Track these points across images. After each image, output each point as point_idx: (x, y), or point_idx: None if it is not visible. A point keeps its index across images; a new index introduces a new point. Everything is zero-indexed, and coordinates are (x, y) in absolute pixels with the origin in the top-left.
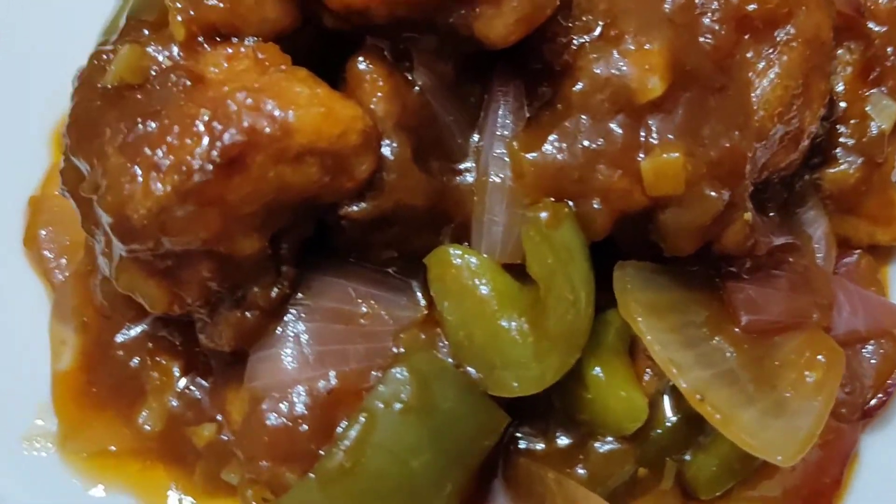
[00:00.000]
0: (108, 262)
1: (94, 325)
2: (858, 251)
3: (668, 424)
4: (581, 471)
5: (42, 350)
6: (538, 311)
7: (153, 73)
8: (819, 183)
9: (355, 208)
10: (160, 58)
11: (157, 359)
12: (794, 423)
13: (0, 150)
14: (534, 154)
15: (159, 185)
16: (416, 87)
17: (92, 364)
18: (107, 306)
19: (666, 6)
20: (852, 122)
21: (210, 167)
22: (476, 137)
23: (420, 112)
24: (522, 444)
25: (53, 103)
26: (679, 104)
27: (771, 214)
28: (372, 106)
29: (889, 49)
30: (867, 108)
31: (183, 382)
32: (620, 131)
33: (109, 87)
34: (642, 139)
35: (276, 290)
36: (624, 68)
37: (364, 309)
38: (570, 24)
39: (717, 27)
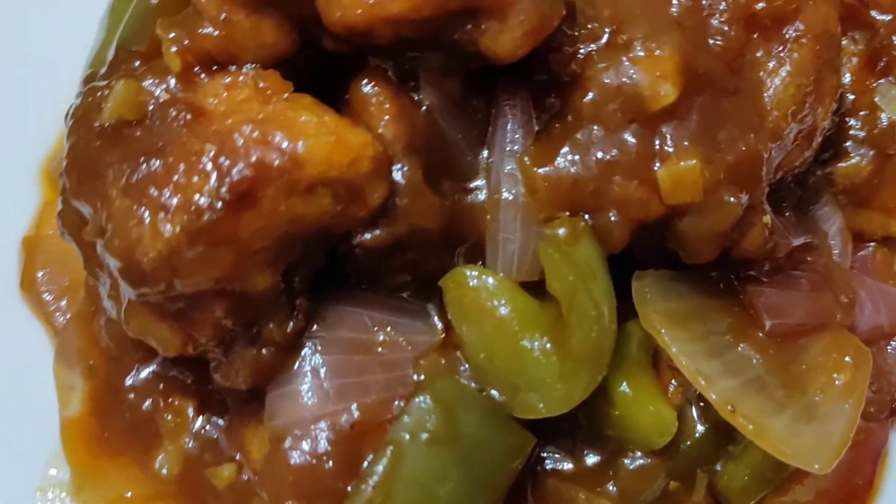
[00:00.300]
0: (115, 306)
1: (102, 367)
2: (873, 244)
3: (697, 435)
4: (612, 488)
5: (49, 396)
6: (560, 330)
7: (151, 108)
8: (831, 178)
9: (369, 236)
10: (157, 91)
11: (170, 400)
12: (827, 429)
13: None
14: (546, 168)
15: (168, 226)
16: (423, 107)
17: (102, 409)
18: (114, 348)
19: (672, 9)
20: (861, 113)
21: (219, 205)
22: (485, 154)
23: (428, 132)
24: (550, 465)
25: (40, 137)
26: (692, 110)
27: (787, 214)
28: (380, 130)
29: (894, 38)
30: (876, 99)
31: (198, 423)
32: (634, 141)
33: (107, 125)
34: (657, 147)
35: (291, 324)
36: (635, 76)
37: (381, 337)
38: (575, 33)
39: (726, 28)
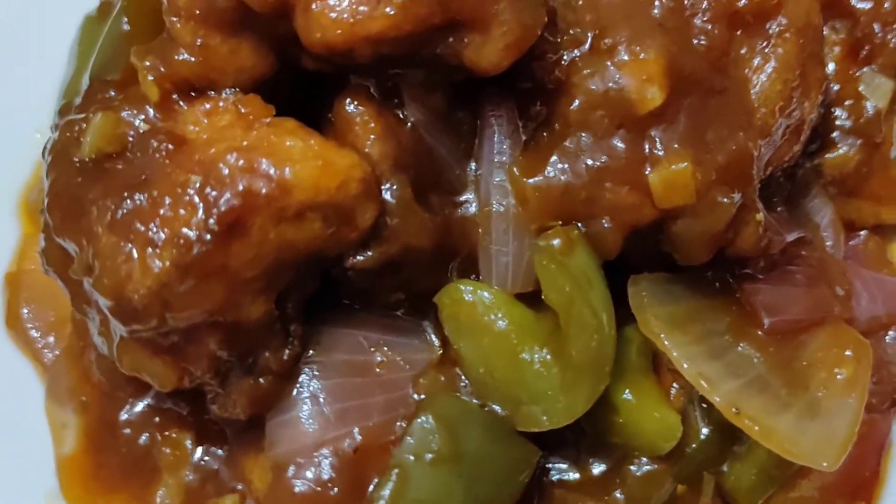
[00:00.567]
0: (106, 342)
1: (95, 403)
2: (864, 232)
3: (702, 438)
4: (619, 496)
5: (42, 435)
6: (559, 340)
7: (131, 139)
8: (820, 169)
9: (361, 258)
10: (136, 122)
11: (167, 433)
12: (832, 425)
13: None
14: (536, 178)
15: (157, 261)
16: (409, 124)
17: (98, 445)
18: (105, 383)
19: (655, 11)
20: (847, 103)
21: (208, 236)
22: (473, 166)
23: (415, 148)
24: (556, 476)
25: (15, 168)
26: (680, 111)
27: (779, 209)
28: (367, 149)
29: (876, 25)
30: (860, 88)
31: (198, 454)
32: (623, 146)
33: (87, 159)
34: (647, 152)
35: (287, 351)
36: (621, 81)
37: (378, 357)
38: (558, 40)
39: (709, 27)
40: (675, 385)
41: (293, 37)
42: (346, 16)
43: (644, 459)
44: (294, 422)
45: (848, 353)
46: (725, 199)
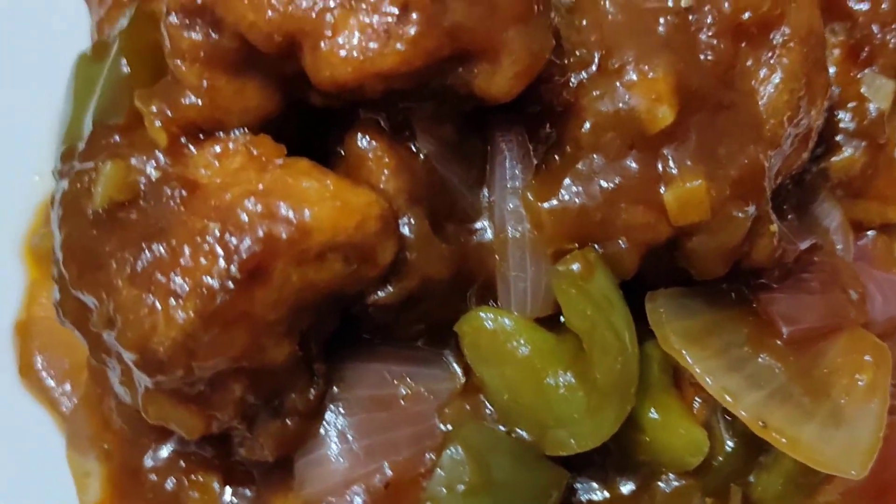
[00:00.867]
0: (129, 392)
1: (118, 451)
2: (872, 232)
3: (728, 450)
4: None
5: (66, 485)
6: (582, 363)
7: (142, 186)
8: (826, 172)
9: (382, 294)
10: (147, 169)
11: (194, 476)
12: (856, 432)
13: None
14: (550, 202)
15: (181, 312)
16: (421, 156)
17: (123, 493)
18: (127, 430)
19: (660, 28)
20: (850, 105)
21: (231, 284)
22: (486, 192)
23: (428, 180)
24: (585, 496)
25: (18, 213)
26: (691, 128)
27: (789, 217)
28: (382, 185)
29: (874, 26)
30: (862, 90)
31: (226, 497)
32: (636, 166)
33: (100, 210)
34: (660, 170)
35: (312, 391)
36: (630, 101)
37: (402, 390)
38: (564, 62)
39: (715, 42)
40: (697, 399)
41: (300, 74)
42: (355, 53)
43: (672, 475)
44: (323, 460)
45: (867, 358)
46: (740, 214)
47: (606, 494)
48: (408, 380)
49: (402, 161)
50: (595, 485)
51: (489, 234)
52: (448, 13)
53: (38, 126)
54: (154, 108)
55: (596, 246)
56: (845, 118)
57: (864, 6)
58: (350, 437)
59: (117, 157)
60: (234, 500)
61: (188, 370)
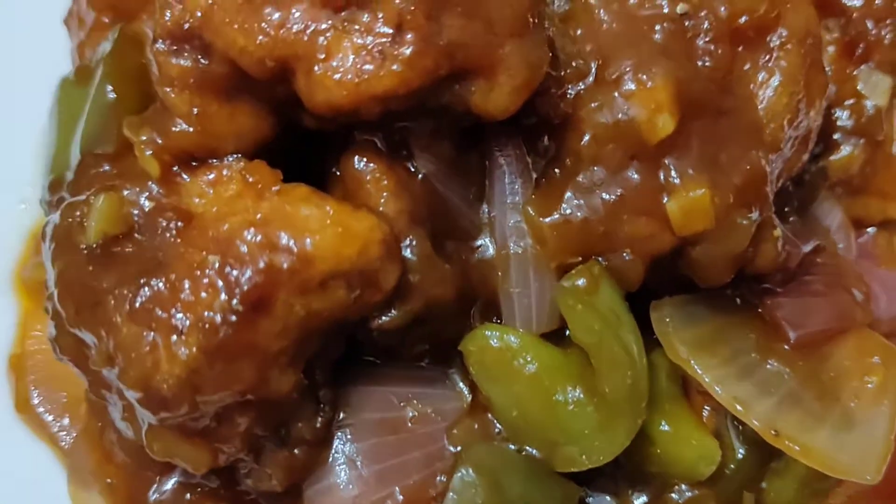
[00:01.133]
0: (131, 427)
1: (121, 484)
2: (872, 229)
3: (739, 457)
4: None
5: None
6: (591, 378)
7: (136, 218)
8: (825, 171)
9: (386, 319)
10: (140, 200)
11: None
12: (868, 435)
13: None
14: (552, 217)
15: (184, 348)
16: (420, 175)
17: None
18: (130, 463)
19: (656, 36)
20: (847, 103)
21: (234, 317)
22: (486, 208)
23: (428, 199)
24: None
25: (7, 246)
26: (692, 136)
27: (791, 219)
28: (381, 207)
29: (869, 22)
30: (858, 87)
31: None
32: (638, 177)
33: (94, 245)
34: (662, 180)
35: (319, 418)
36: (629, 111)
37: (409, 412)
38: (561, 73)
39: (712, 48)
40: (706, 408)
41: (292, 97)
42: (350, 76)
43: (684, 486)
44: (333, 488)
45: (875, 359)
46: (744, 221)
47: None
48: (414, 401)
49: (401, 181)
50: (608, 498)
51: (491, 251)
52: (443, 31)
53: (21, 153)
54: (144, 137)
55: (600, 259)
56: (843, 116)
57: (858, 2)
58: (359, 464)
59: (109, 189)
60: None
61: (193, 406)
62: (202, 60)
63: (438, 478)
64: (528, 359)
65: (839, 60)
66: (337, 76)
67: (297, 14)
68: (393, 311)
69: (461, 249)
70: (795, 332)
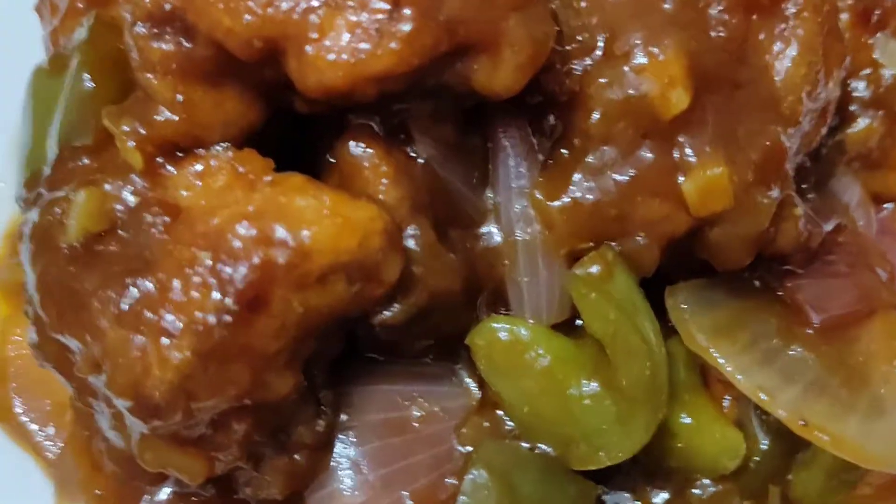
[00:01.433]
0: (121, 436)
1: (111, 495)
2: (891, 204)
3: (764, 449)
4: None
5: None
6: (607, 369)
7: (119, 214)
8: (842, 146)
9: (389, 313)
10: (123, 194)
11: None
12: None
13: None
14: (561, 200)
15: (176, 352)
16: (420, 160)
17: None
18: (120, 472)
19: (666, 5)
20: (863, 73)
21: (228, 318)
22: (490, 193)
23: (430, 185)
24: None
25: None
26: (707, 111)
27: (810, 196)
28: (381, 195)
29: None
30: (875, 55)
31: None
32: (652, 156)
33: (75, 244)
34: (677, 158)
35: (320, 421)
36: (641, 86)
37: (415, 411)
38: (566, 48)
39: (726, 17)
40: (727, 396)
41: (281, 80)
42: (345, 56)
43: (706, 481)
44: (336, 496)
45: None
46: (765, 199)
47: None
48: (420, 400)
49: (401, 167)
50: (626, 495)
51: (497, 238)
52: (443, 6)
53: None
54: (126, 128)
55: (613, 244)
56: (859, 87)
57: None
58: (364, 468)
59: (90, 183)
60: None
61: (187, 413)
62: (185, 43)
63: (448, 480)
64: (540, 351)
65: (854, 28)
66: (331, 56)
67: None
68: (396, 305)
69: (465, 238)
70: (819, 315)
